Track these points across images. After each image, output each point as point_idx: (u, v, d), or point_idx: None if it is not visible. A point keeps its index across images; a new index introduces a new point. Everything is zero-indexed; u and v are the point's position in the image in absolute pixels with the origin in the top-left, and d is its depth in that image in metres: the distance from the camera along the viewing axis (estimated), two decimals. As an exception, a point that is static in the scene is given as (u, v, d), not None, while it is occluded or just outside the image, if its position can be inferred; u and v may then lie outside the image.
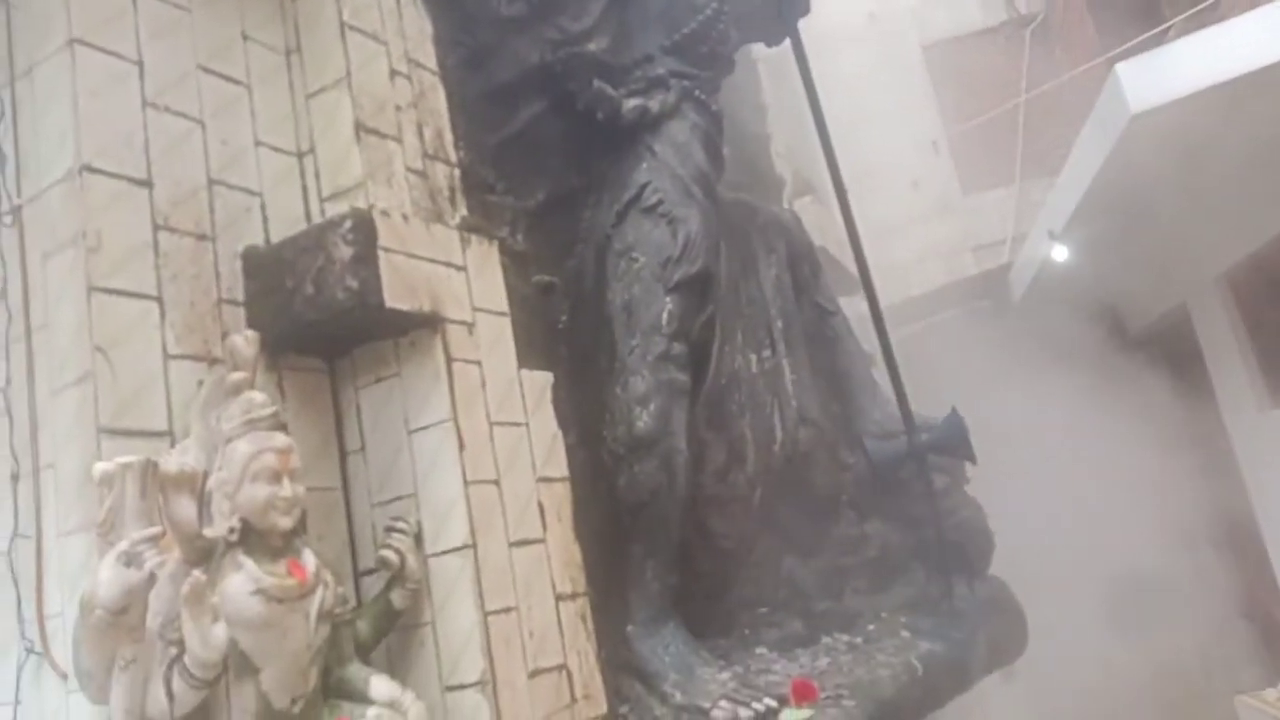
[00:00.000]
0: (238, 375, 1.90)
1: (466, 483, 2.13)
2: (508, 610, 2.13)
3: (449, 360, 2.20)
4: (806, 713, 2.32)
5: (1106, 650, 6.42)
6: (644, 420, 2.66)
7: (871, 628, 2.99)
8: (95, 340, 1.83)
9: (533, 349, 2.55)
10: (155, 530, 1.65)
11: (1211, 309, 7.19)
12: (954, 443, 3.00)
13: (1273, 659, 7.44)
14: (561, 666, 2.24)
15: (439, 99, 2.59)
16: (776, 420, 3.20)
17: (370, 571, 2.19)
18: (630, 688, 2.46)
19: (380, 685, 1.94)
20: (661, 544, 2.63)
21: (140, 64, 2.05)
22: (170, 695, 1.62)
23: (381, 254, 2.09)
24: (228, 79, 2.25)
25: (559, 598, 2.30)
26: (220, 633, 1.67)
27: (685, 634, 2.56)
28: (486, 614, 2.07)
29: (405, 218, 2.23)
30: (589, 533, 2.50)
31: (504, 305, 2.43)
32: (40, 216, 1.96)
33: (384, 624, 2.07)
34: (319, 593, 1.87)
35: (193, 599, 1.64)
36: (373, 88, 2.37)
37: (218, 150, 2.18)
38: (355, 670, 1.96)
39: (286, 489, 1.85)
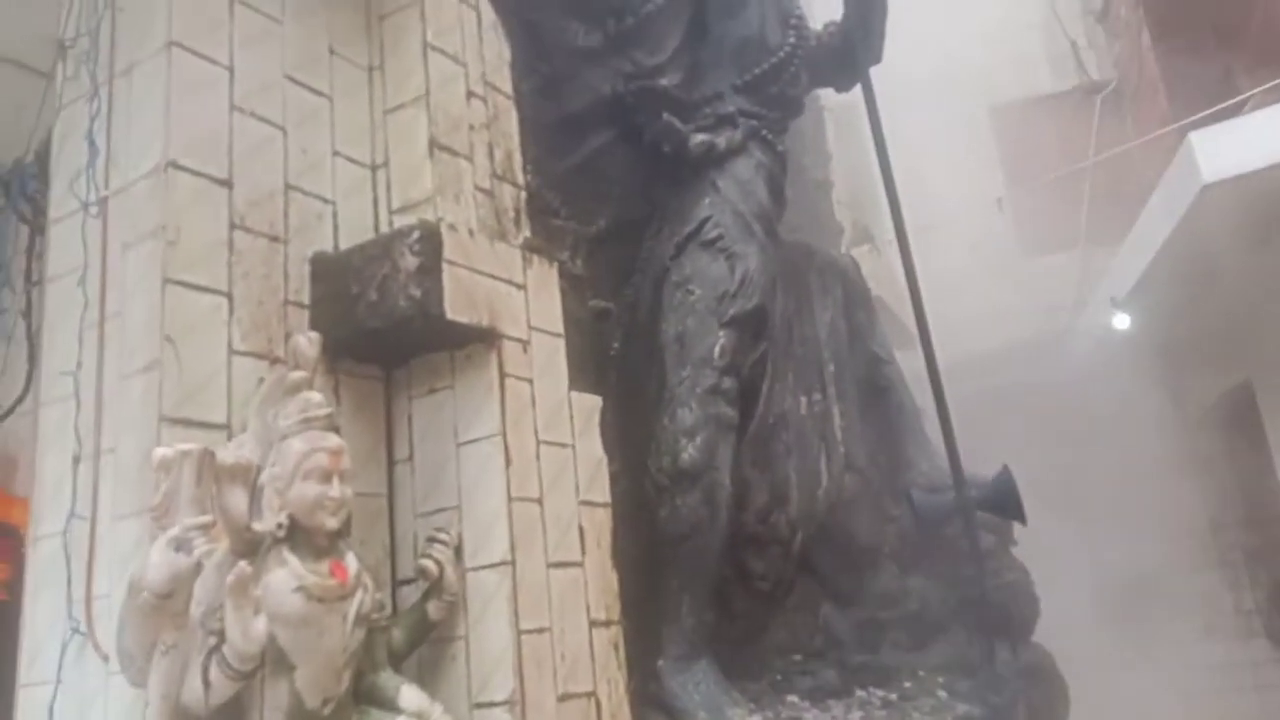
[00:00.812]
0: (298, 374, 1.94)
1: (510, 499, 2.14)
2: (541, 631, 2.12)
3: (502, 376, 2.22)
4: (835, 765, 2.26)
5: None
6: (689, 452, 2.65)
7: (908, 685, 2.91)
8: (165, 330, 1.88)
9: (584, 373, 2.57)
10: (207, 519, 1.68)
11: (1277, 388, 6.98)
12: (1004, 501, 2.93)
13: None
14: (591, 694, 2.21)
15: (511, 122, 2.64)
16: (823, 465, 3.16)
17: (408, 581, 2.20)
18: (658, 724, 2.42)
19: (410, 695, 1.93)
20: (699, 579, 2.60)
21: (231, 70, 2.13)
22: (206, 684, 1.63)
23: (446, 266, 2.13)
24: (312, 90, 2.32)
25: (593, 624, 2.28)
26: (261, 626, 1.68)
27: (717, 673, 2.52)
28: (521, 633, 2.06)
29: (471, 233, 2.27)
30: (626, 563, 2.48)
31: (559, 327, 2.45)
32: (124, 208, 2.03)
33: (418, 634, 2.06)
34: (358, 595, 1.88)
35: (237, 589, 1.66)
36: (449, 107, 2.43)
37: (297, 157, 2.25)
38: (387, 678, 1.96)
39: (336, 489, 1.87)
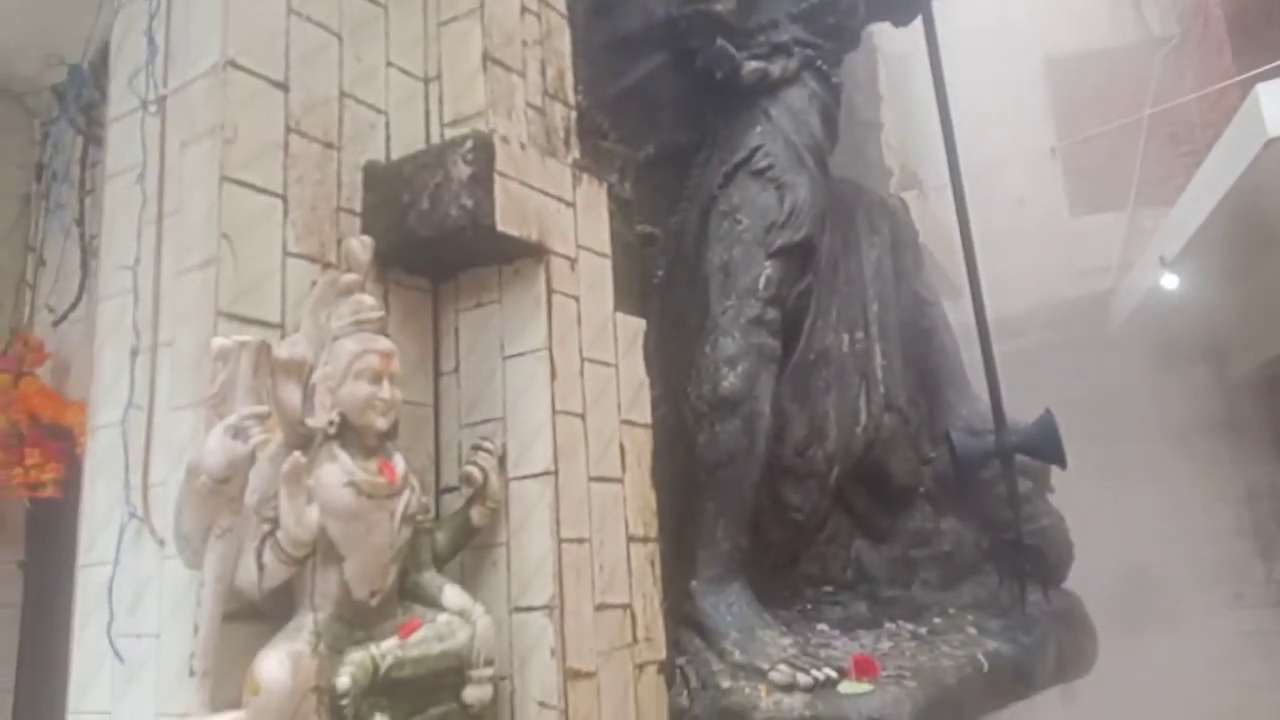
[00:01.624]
0: (350, 277, 1.95)
1: (555, 411, 2.16)
2: (581, 541, 2.15)
3: (550, 292, 2.23)
4: (866, 687, 2.28)
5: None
6: (730, 381, 2.65)
7: (937, 620, 2.92)
8: (222, 228, 1.90)
9: (628, 297, 2.57)
10: (263, 409, 1.71)
11: (1322, 357, 6.83)
12: (1045, 444, 2.91)
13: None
14: (627, 606, 2.25)
15: (564, 40, 2.61)
16: (862, 403, 3.15)
17: (451, 489, 2.23)
18: (689, 641, 2.45)
19: (452, 594, 1.98)
20: (735, 505, 2.61)
21: (290, -29, 2.12)
22: (260, 567, 1.68)
23: (497, 178, 2.13)
24: (368, -2, 2.31)
25: (631, 539, 2.31)
26: (313, 514, 1.73)
27: (750, 596, 2.55)
28: (561, 541, 2.09)
29: (523, 146, 2.26)
30: (663, 486, 2.50)
31: (607, 247, 2.45)
32: (182, 107, 2.05)
33: (461, 538, 2.11)
34: (405, 495, 1.92)
35: (292, 478, 1.70)
36: (503, 20, 2.41)
37: (351, 65, 2.24)
38: (430, 577, 2.00)
39: (386, 391, 1.90)
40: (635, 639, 2.25)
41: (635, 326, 2.50)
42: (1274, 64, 5.65)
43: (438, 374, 2.34)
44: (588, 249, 2.38)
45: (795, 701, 2.25)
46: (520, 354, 2.22)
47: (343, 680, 1.69)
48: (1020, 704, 3.20)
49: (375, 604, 1.85)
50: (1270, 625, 7.12)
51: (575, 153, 2.56)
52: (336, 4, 2.24)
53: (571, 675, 2.03)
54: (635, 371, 2.46)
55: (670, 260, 2.88)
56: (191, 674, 1.62)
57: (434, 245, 2.18)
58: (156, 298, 1.97)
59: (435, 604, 1.96)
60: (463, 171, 2.10)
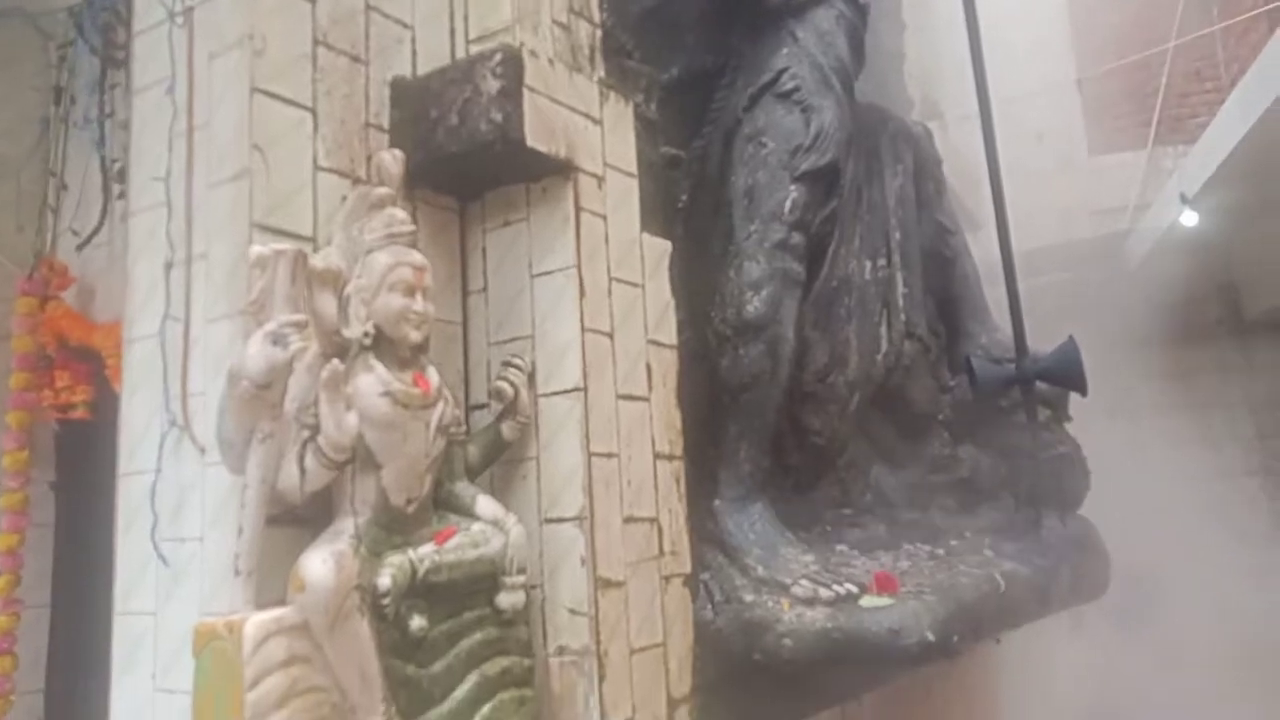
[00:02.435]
0: (383, 190, 1.96)
1: (584, 329, 2.17)
2: (610, 456, 2.18)
3: (578, 210, 2.23)
4: (886, 601, 2.34)
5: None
6: (754, 305, 2.66)
7: (954, 543, 2.97)
8: (254, 139, 1.90)
9: (653, 219, 2.56)
10: (301, 317, 1.73)
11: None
12: (1067, 371, 2.92)
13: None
14: (653, 520, 2.29)
15: (589, -44, 2.57)
16: (883, 330, 3.16)
17: (481, 406, 2.26)
18: (713, 558, 2.50)
19: (486, 504, 2.02)
20: (757, 427, 2.65)
21: (315, -122, 2.08)
22: (302, 471, 1.72)
23: (526, 92, 2.11)
24: (393, -93, 2.26)
25: (657, 455, 2.35)
26: (352, 420, 1.76)
27: (771, 515, 2.59)
28: (591, 455, 2.12)
29: (550, 62, 2.24)
30: (685, 409, 2.52)
31: (633, 167, 2.44)
32: (209, 18, 2.03)
33: (492, 452, 2.14)
34: (440, 406, 1.95)
35: (331, 385, 1.72)
36: (529, -66, 2.36)
37: (377, -23, 2.21)
38: (464, 488, 2.04)
39: (419, 304, 1.91)
40: (662, 552, 2.29)
41: (661, 248, 2.50)
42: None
43: (465, 293, 2.35)
44: (615, 168, 2.37)
45: (817, 615, 2.31)
46: (549, 272, 2.22)
47: (383, 580, 1.74)
48: (1032, 633, 3.28)
49: (412, 511, 1.89)
50: (1274, 562, 7.21)
51: (600, 71, 2.54)
52: (361, -86, 2.20)
53: (602, 584, 2.07)
54: (661, 293, 2.47)
55: (694, 184, 2.87)
56: (237, 574, 1.67)
57: (462, 161, 2.17)
58: (189, 210, 1.98)
59: (469, 513, 2.00)
60: (491, 86, 2.09)
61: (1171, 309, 7.23)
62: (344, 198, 2.04)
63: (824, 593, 2.33)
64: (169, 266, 2.00)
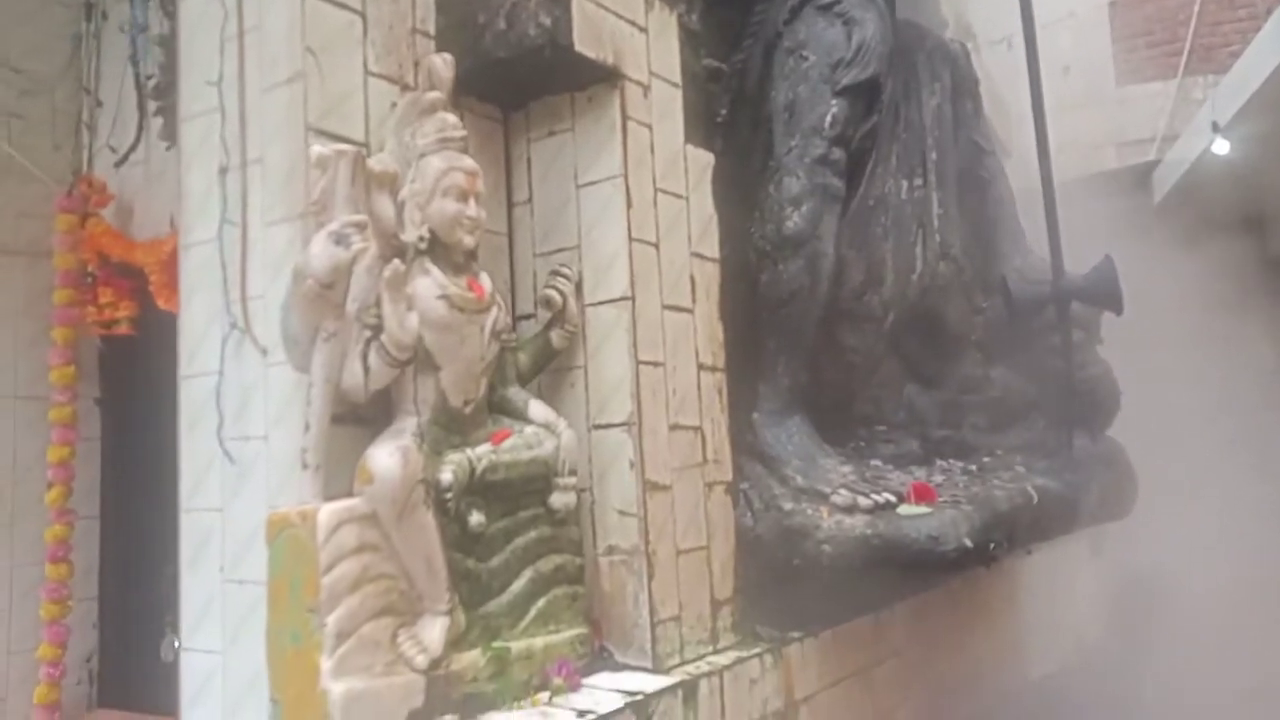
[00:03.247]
0: (434, 94, 1.96)
1: (631, 239, 2.19)
2: (656, 364, 2.22)
3: (624, 118, 2.22)
4: (924, 509, 2.39)
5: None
6: (794, 220, 2.66)
7: (986, 459, 3.02)
8: (306, 42, 1.90)
9: (694, 133, 2.55)
10: (361, 218, 1.75)
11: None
12: (1103, 290, 2.92)
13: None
14: (697, 428, 2.33)
15: None
16: (918, 250, 3.15)
17: (527, 316, 2.29)
18: (751, 468, 2.55)
19: (538, 408, 2.07)
20: (795, 342, 2.67)
21: None
22: (366, 369, 1.75)
23: (574, -3, 2.10)
24: None
25: (700, 366, 2.38)
26: (414, 320, 1.79)
27: (809, 429, 2.63)
28: (639, 363, 2.15)
29: (598, -33, 2.21)
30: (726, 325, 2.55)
31: (678, 76, 2.43)
32: (258, -80, 2.01)
33: (541, 360, 2.18)
34: (493, 311, 1.98)
35: (393, 284, 1.75)
36: None
37: (420, -121, 2.18)
38: (516, 392, 2.08)
39: (472, 209, 1.93)
40: (705, 459, 2.34)
41: (704, 160, 2.50)
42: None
43: (510, 204, 2.36)
44: (660, 77, 2.36)
45: (856, 522, 2.36)
46: (595, 182, 2.23)
47: (445, 475, 1.79)
48: (1053, 555, 3.34)
49: (469, 412, 1.93)
50: (1288, 498, 7.26)
51: (642, -20, 2.50)
52: None
53: (650, 487, 2.13)
54: (704, 205, 2.47)
55: (733, 100, 2.85)
56: (305, 467, 1.72)
57: (509, 68, 2.16)
58: (243, 114, 1.99)
59: (522, 417, 2.05)
60: (540, -11, 2.07)
61: (1196, 242, 7.16)
62: (393, 104, 2.04)
63: (863, 501, 2.38)
64: (224, 171, 2.01)
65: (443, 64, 2.00)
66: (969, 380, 3.26)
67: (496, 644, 1.85)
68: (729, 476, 2.43)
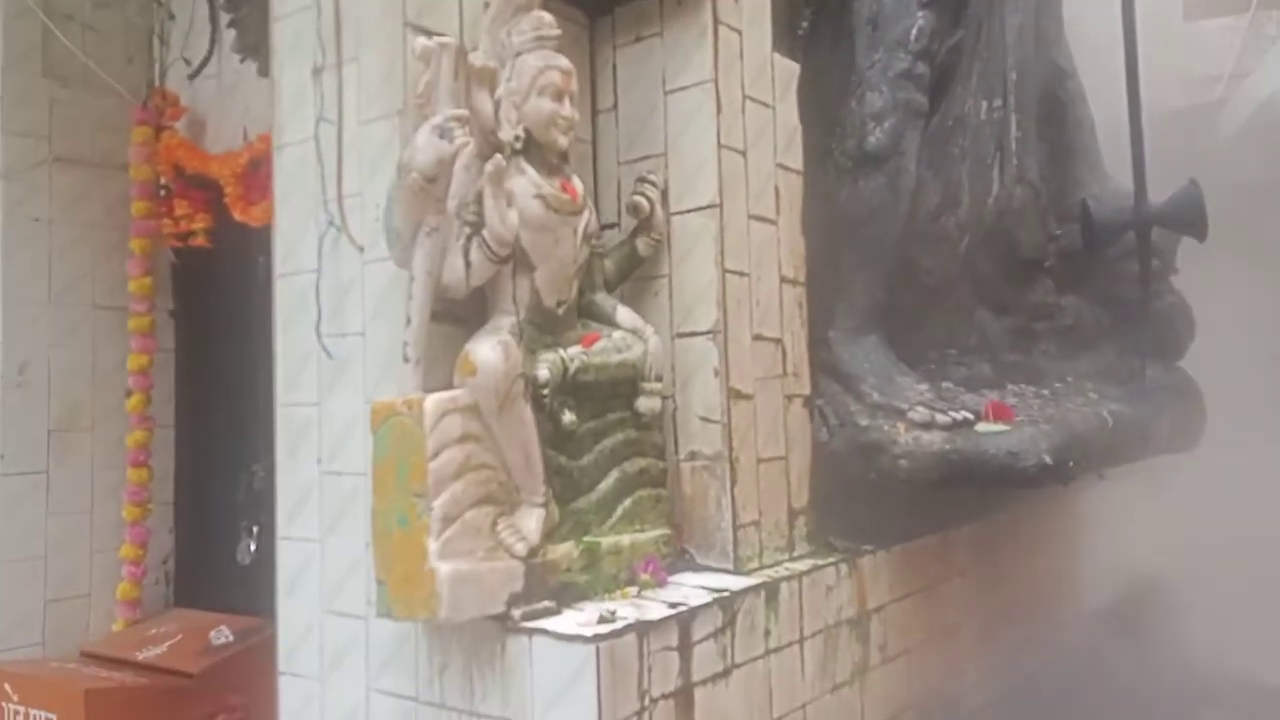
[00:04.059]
0: (530, -10, 1.94)
1: (720, 145, 2.16)
2: (741, 275, 2.21)
3: (716, 23, 2.19)
4: (1003, 427, 2.38)
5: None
6: (876, 136, 2.62)
7: (1058, 385, 3.00)
8: (403, -62, 1.88)
9: (777, 45, 2.50)
10: (464, 111, 1.75)
11: None
12: (1187, 215, 2.86)
13: None
14: (779, 341, 2.34)
15: None
16: (995, 174, 3.10)
17: (611, 225, 2.29)
18: (827, 385, 2.55)
19: (625, 313, 2.08)
20: (874, 261, 2.65)
21: None
22: (468, 264, 1.77)
23: (669, -107, 2.05)
24: None
25: (783, 279, 2.37)
26: (514, 216, 1.80)
27: (885, 347, 2.62)
28: (725, 271, 2.15)
29: None
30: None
31: (766, -20, 2.37)
32: None
33: (627, 267, 2.18)
34: (585, 214, 1.99)
35: (495, 178, 1.76)
36: None
37: None
38: (604, 298, 2.09)
39: (568, 108, 1.92)
40: (786, 372, 2.35)
41: (790, 70, 2.45)
42: None
43: (594, 112, 2.34)
44: (749, -18, 2.31)
45: (934, 437, 2.36)
46: (684, 88, 2.20)
47: (542, 372, 1.81)
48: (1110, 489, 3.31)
49: (561, 313, 1.95)
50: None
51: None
52: None
53: (733, 395, 2.14)
54: (790, 115, 2.44)
55: (814, 13, 2.78)
56: (406, 360, 1.75)
57: (599, -30, 2.13)
58: (338, 13, 1.98)
59: (609, 322, 2.06)
60: (636, -115, 2.02)
61: (1264, 184, 6.95)
62: (486, 4, 2.02)
63: (940, 417, 2.38)
64: (318, 71, 2.01)
65: (538, -38, 1.97)
66: (1040, 307, 3.22)
67: (587, 539, 1.89)
68: (807, 390, 2.44)
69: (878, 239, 2.64)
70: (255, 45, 3.02)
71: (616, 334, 2.03)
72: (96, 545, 3.13)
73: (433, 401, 1.66)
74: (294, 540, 2.02)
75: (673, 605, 1.80)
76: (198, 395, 3.32)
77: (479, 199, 1.78)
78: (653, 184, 2.18)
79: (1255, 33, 8.02)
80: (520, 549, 1.72)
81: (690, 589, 1.93)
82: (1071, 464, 2.33)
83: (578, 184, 1.98)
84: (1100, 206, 2.97)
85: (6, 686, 2.63)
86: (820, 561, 2.26)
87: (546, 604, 1.73)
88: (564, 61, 1.93)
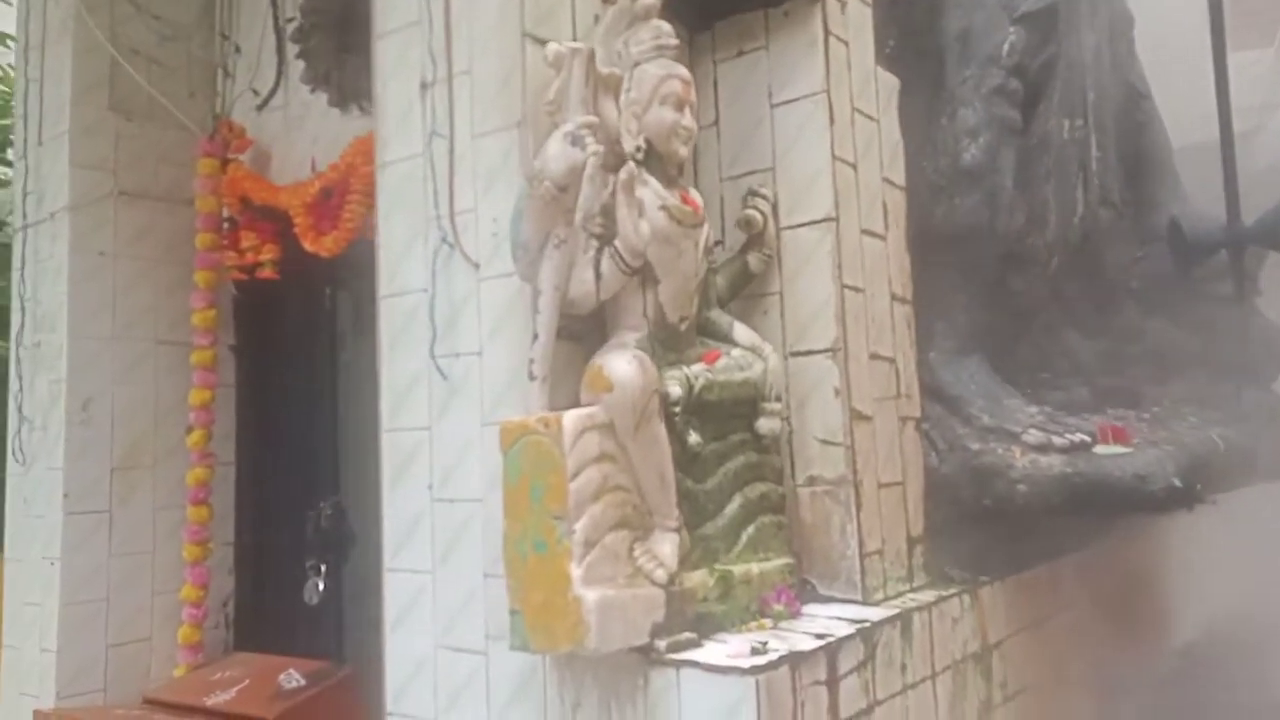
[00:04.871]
0: (648, 1, 1.89)
1: (834, 157, 2.10)
2: (858, 290, 2.13)
3: (826, 33, 2.14)
4: (1124, 449, 2.28)
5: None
6: (971, 153, 2.56)
7: (1156, 409, 2.90)
8: (517, -52, 1.83)
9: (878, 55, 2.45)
10: (595, 119, 1.69)
11: None
12: (1284, 232, 2.79)
13: None
14: (892, 360, 2.25)
15: None
16: (1079, 194, 3.03)
17: (716, 243, 2.21)
18: (930, 408, 2.45)
19: (742, 331, 2.00)
20: (975, 279, 2.57)
21: None
22: (598, 276, 1.69)
23: (779, -97, 2.01)
24: None
25: (893, 297, 2.29)
26: (646, 227, 1.72)
27: (989, 368, 2.53)
28: (843, 287, 2.07)
29: (797, -126, 2.13)
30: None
31: (869, -7, 2.33)
32: None
33: (738, 283, 2.10)
34: (705, 227, 1.91)
35: (627, 187, 1.69)
36: None
37: None
38: (719, 315, 2.01)
39: (688, 119, 1.86)
40: (899, 393, 2.26)
41: (892, 83, 2.40)
42: None
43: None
44: (853, -5, 2.27)
45: (1053, 461, 2.26)
46: (793, 100, 2.15)
47: (674, 389, 1.72)
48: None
49: (684, 329, 1.87)
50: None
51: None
52: None
53: (855, 416, 2.05)
54: (893, 130, 2.38)
55: (900, 31, 2.73)
56: (531, 378, 1.66)
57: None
58: (448, 25, 1.93)
59: (726, 339, 1.98)
60: (748, -105, 1.99)
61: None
62: (596, 16, 1.97)
63: (1057, 440, 2.28)
64: (426, 86, 1.96)
65: (654, -30, 1.92)
66: (1127, 330, 3.14)
67: (719, 566, 1.79)
68: (918, 412, 2.34)
69: (976, 257, 2.57)
70: (326, 75, 2.99)
71: (736, 351, 1.94)
72: (157, 587, 3.02)
73: (571, 418, 1.57)
74: (402, 572, 1.91)
75: (819, 636, 1.68)
76: (259, 431, 3.23)
77: (605, 210, 1.70)
78: (764, 198, 2.12)
79: (1283, 65, 8.03)
80: (660, 576, 1.62)
81: (827, 620, 1.82)
82: (1199, 486, 2.23)
83: (697, 196, 1.91)
84: (1191, 224, 2.89)
85: (76, 736, 2.51)
86: (944, 592, 2.15)
87: (689, 635, 1.62)
88: (684, 71, 1.87)
